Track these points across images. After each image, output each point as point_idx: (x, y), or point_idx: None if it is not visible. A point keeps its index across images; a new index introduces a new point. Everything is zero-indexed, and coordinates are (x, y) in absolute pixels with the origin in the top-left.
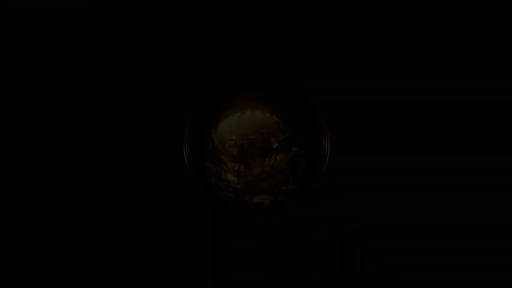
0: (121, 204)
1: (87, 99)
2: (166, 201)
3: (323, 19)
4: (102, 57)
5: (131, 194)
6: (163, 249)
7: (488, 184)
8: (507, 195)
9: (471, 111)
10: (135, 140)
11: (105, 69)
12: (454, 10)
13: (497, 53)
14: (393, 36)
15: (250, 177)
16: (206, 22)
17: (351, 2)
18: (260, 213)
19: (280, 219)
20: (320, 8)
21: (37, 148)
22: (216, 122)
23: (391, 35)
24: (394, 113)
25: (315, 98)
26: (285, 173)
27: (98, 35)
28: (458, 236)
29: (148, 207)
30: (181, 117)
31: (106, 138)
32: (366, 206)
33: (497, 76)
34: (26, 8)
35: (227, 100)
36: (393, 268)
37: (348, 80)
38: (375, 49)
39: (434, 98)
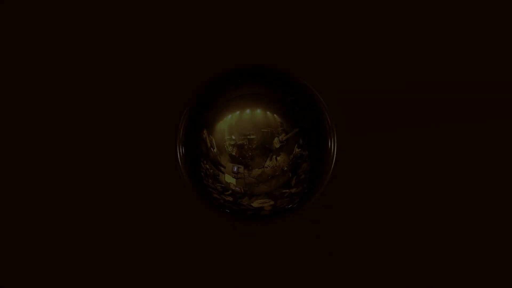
0: (109, 205)
1: (79, 97)
2: (157, 205)
3: (331, 12)
4: (95, 55)
5: (120, 196)
6: (152, 254)
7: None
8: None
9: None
10: (126, 139)
11: (98, 66)
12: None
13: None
14: (405, 30)
15: (249, 178)
16: (203, 14)
17: None
18: (259, 219)
19: (280, 226)
20: (328, 2)
21: (25, 145)
22: (214, 121)
23: (401, 29)
24: (407, 112)
25: (321, 95)
26: (287, 175)
27: (91, 32)
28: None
29: (138, 210)
30: (174, 115)
31: (94, 137)
32: (376, 213)
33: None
34: (14, 4)
35: (225, 98)
36: (403, 277)
37: (358, 76)
38: (386, 44)
39: (451, 95)
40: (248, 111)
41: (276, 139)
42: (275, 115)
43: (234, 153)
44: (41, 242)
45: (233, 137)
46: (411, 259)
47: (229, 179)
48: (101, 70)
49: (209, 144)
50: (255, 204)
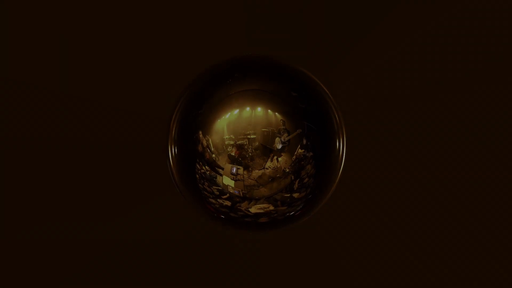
0: (94, 211)
1: (65, 94)
2: (147, 209)
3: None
4: (78, 48)
5: (107, 201)
6: (143, 260)
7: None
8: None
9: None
10: (113, 137)
11: (84, 59)
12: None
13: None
14: (417, 23)
15: (249, 180)
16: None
17: None
18: (257, 226)
19: (280, 234)
20: None
21: (12, 142)
22: (211, 119)
23: (413, 22)
24: (425, 110)
25: (329, 90)
26: (289, 177)
27: (76, 25)
28: None
29: (126, 215)
30: (166, 112)
31: (77, 136)
32: (389, 222)
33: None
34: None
35: (223, 94)
36: None
37: (371, 70)
38: (400, 36)
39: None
40: (247, 109)
41: (277, 139)
42: (276, 113)
43: (233, 153)
44: (29, 242)
45: (232, 136)
46: (426, 268)
47: (227, 181)
48: (85, 62)
49: (205, 144)
50: (253, 210)
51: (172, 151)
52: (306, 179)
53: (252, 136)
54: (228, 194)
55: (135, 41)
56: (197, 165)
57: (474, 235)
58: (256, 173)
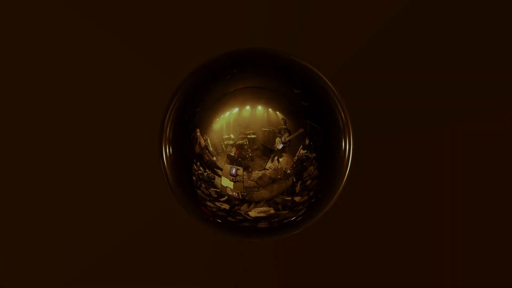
0: (86, 213)
1: (52, 91)
2: (139, 212)
3: None
4: (75, 46)
5: (96, 205)
6: (135, 265)
7: None
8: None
9: None
10: (103, 137)
11: (76, 56)
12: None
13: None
14: (425, 18)
15: (248, 182)
16: None
17: None
18: (255, 232)
19: (280, 241)
20: None
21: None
22: (209, 117)
23: (422, 18)
24: (434, 108)
25: (334, 85)
26: (290, 179)
27: (65, 19)
28: None
29: (117, 220)
30: (161, 110)
31: (65, 135)
32: (399, 228)
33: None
34: None
35: (222, 91)
36: None
37: (379, 65)
38: (405, 35)
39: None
40: (248, 107)
41: (277, 139)
42: (277, 112)
43: (233, 154)
44: (27, 242)
45: (232, 136)
46: (435, 271)
47: (226, 182)
48: (77, 59)
49: (203, 144)
50: (253, 213)
51: (166, 151)
52: (309, 182)
53: (252, 136)
54: (226, 197)
55: (127, 33)
56: (194, 166)
57: (486, 236)
58: (256, 174)
